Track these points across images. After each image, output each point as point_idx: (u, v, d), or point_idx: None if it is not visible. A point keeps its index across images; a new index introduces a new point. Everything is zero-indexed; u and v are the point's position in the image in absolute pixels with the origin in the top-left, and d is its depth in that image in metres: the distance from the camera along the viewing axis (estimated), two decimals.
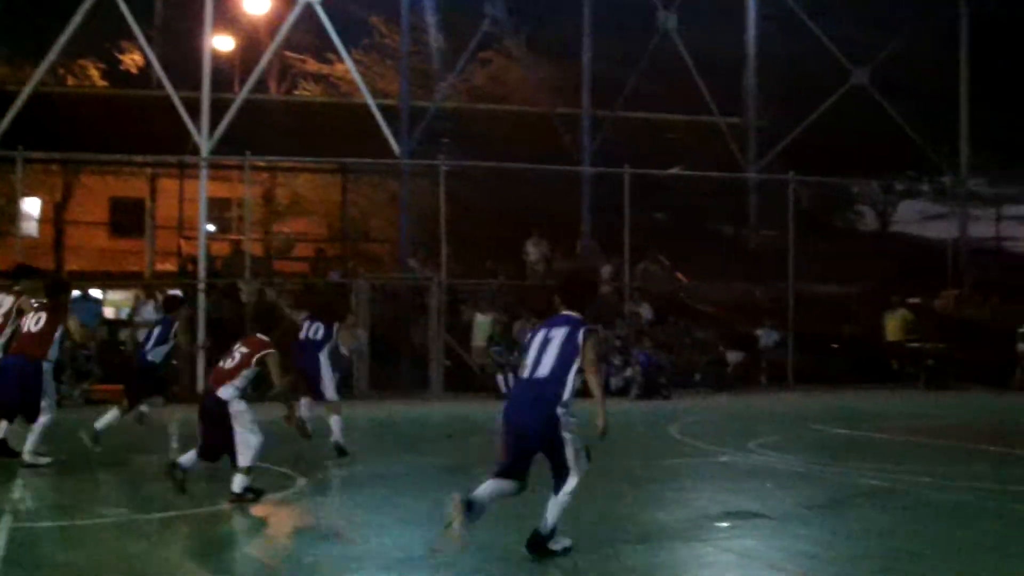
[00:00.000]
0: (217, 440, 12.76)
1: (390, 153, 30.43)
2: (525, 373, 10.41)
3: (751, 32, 34.96)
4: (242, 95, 29.40)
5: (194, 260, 29.28)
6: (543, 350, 10.34)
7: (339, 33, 30.29)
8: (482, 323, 29.08)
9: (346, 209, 36.92)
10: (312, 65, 37.99)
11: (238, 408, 12.71)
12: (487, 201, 32.78)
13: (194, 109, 28.24)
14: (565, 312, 10.62)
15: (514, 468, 10.17)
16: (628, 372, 28.33)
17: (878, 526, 11.84)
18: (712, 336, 31.76)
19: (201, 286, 28.01)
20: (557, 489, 10.16)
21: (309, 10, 29.72)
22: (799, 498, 13.35)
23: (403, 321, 29.24)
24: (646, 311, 30.58)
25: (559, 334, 10.37)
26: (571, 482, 10.14)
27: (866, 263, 34.11)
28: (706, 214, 37.47)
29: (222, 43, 35.66)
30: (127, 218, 38.10)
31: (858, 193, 43.50)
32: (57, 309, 15.97)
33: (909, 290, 32.28)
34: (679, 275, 33.89)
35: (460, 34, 34.24)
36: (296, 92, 38.78)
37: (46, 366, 15.66)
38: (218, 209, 35.20)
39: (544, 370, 10.24)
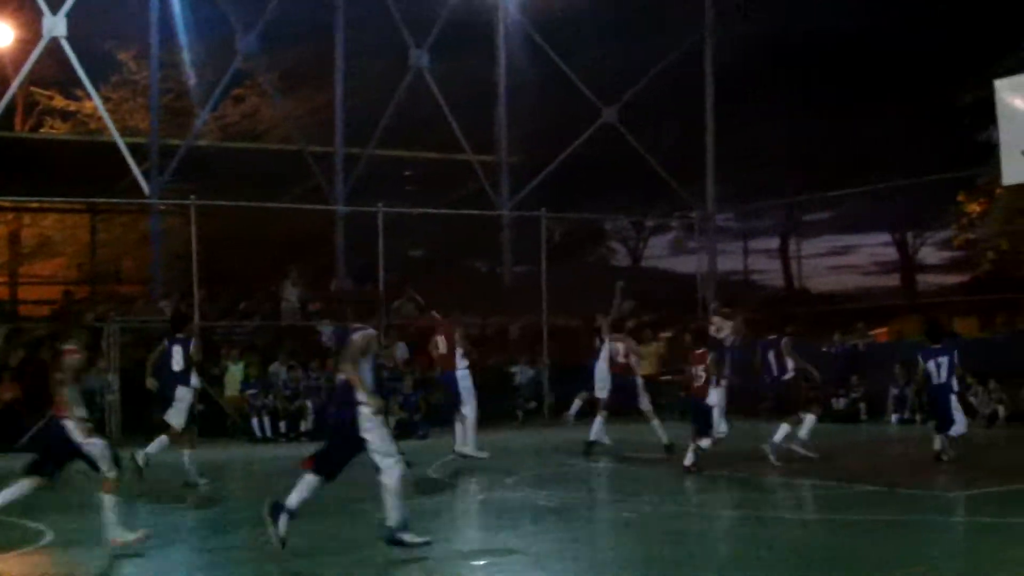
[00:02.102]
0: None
1: (141, 192, 29.88)
2: None
3: (502, 70, 35.30)
4: None
5: None
6: None
7: (87, 68, 29.67)
8: (234, 372, 28.61)
9: (96, 250, 36.07)
10: (59, 101, 37.03)
11: None
12: (242, 241, 32.38)
13: None
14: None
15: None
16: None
17: (637, 557, 12.02)
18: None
19: None
20: None
21: (55, 44, 29.04)
22: (557, 533, 13.48)
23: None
24: (401, 350, 30.49)
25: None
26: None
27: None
28: (461, 251, 37.70)
29: None
30: None
31: (610, 228, 44.38)
32: None
33: (662, 324, 32.92)
34: (434, 312, 33.91)
35: (212, 71, 33.79)
36: (43, 129, 37.74)
37: None
38: None
39: None
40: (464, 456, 20.09)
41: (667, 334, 29.45)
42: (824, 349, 29.69)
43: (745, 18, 35.77)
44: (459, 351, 20.37)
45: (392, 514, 11.41)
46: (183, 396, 18.90)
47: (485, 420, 29.12)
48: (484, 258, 38.90)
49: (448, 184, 35.88)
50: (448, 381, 20.57)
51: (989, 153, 29.47)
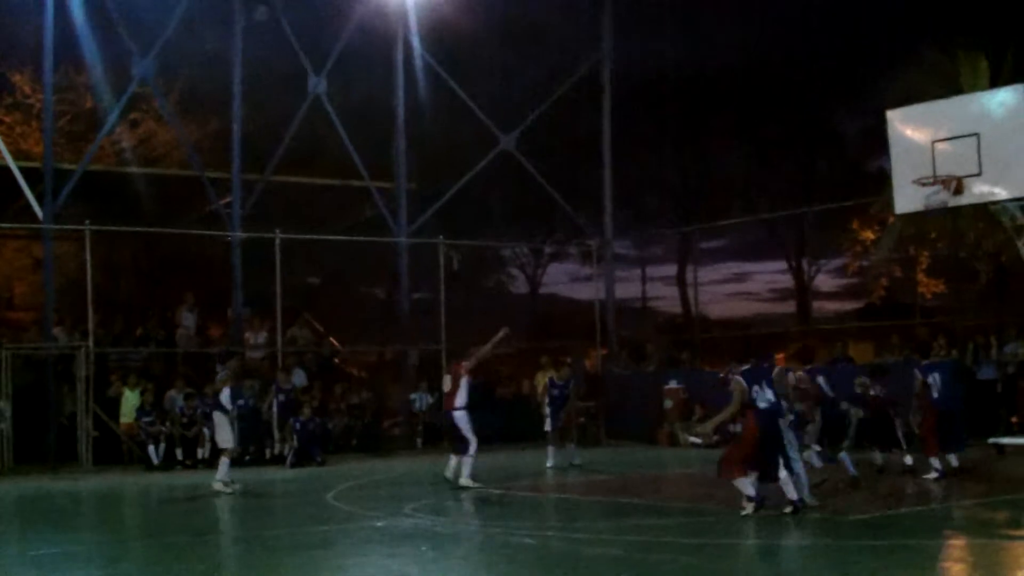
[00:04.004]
0: None
1: (34, 216, 29.48)
2: None
3: (400, 97, 35.22)
4: None
5: None
6: None
7: None
8: (130, 397, 28.31)
9: None
10: None
11: None
12: (137, 266, 32.06)
13: None
14: None
15: None
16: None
17: None
18: (367, 400, 31.87)
19: None
20: None
21: None
22: (454, 560, 13.46)
23: (48, 392, 28.20)
24: (299, 377, 30.34)
25: None
26: None
27: (520, 323, 34.84)
28: (359, 277, 37.59)
29: None
30: None
31: (509, 255, 44.53)
32: None
33: (560, 349, 33.05)
34: (332, 339, 33.84)
35: (110, 94, 33.42)
36: None
37: None
38: None
39: None
40: (464, 487, 20.60)
41: (569, 361, 29.52)
42: (721, 375, 29.91)
43: None
44: (461, 392, 21.13)
45: None
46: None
47: (385, 447, 29.52)
48: (382, 285, 38.81)
49: (346, 210, 35.76)
50: (448, 420, 21.55)
51: (882, 182, 29.98)
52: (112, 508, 20.68)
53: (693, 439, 28.39)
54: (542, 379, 29.37)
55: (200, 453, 27.56)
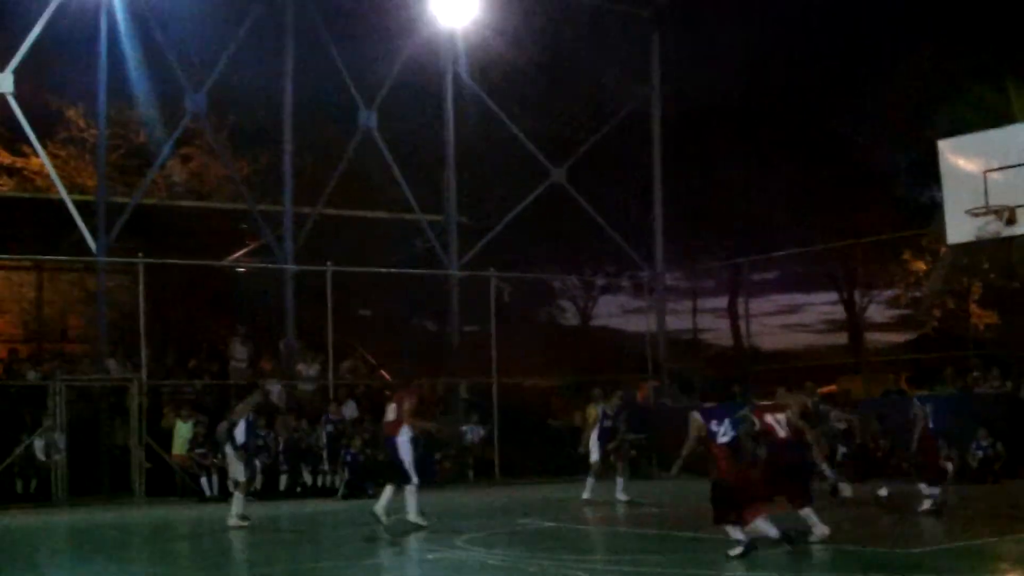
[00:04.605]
0: None
1: (88, 249, 29.70)
2: None
3: (450, 131, 35.34)
4: None
5: None
6: None
7: (34, 125, 29.52)
8: (183, 429, 28.41)
9: (41, 307, 35.79)
10: (5, 157, 36.73)
11: None
12: (189, 299, 32.19)
13: None
14: None
15: None
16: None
17: None
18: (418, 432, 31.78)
19: None
20: None
21: (2, 100, 28.90)
22: None
23: (102, 423, 28.37)
24: (351, 409, 30.39)
25: None
26: None
27: (569, 356, 34.76)
28: (410, 311, 37.64)
29: None
30: None
31: (560, 288, 44.49)
32: None
33: (610, 382, 32.92)
34: (383, 372, 33.87)
35: (162, 129, 33.70)
36: None
37: None
38: None
39: None
40: (415, 525, 19.95)
41: (620, 392, 29.40)
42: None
43: None
44: (406, 422, 20.24)
45: None
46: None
47: (436, 479, 29.40)
48: (433, 318, 38.85)
49: (396, 244, 35.84)
50: (390, 448, 20.46)
51: (933, 212, 29.79)
52: (164, 540, 20.71)
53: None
54: (593, 411, 29.30)
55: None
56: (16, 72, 28.90)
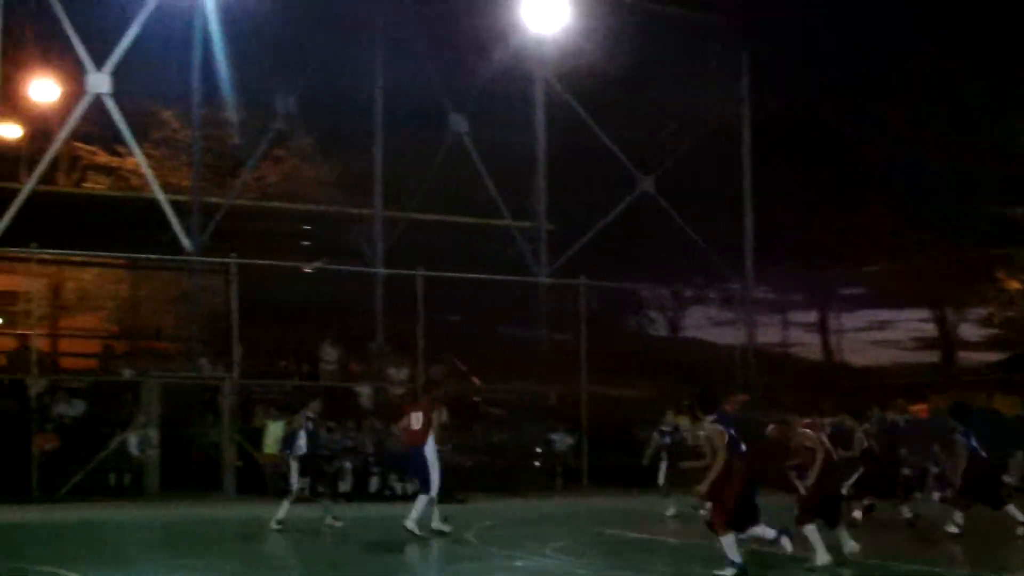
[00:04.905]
0: None
1: (181, 249, 29.95)
2: None
3: (541, 137, 35.37)
4: (29, 185, 28.78)
5: None
6: None
7: (130, 125, 29.81)
8: (273, 429, 28.51)
9: (135, 305, 36.15)
10: (102, 157, 37.14)
11: None
12: (279, 300, 32.33)
13: None
14: None
15: None
16: None
17: None
18: (506, 439, 31.82)
19: None
20: None
21: (98, 100, 29.22)
22: None
23: (194, 421, 28.60)
24: (442, 415, 30.39)
25: None
26: None
27: (657, 367, 34.57)
28: (499, 317, 37.64)
29: (8, 131, 34.80)
30: None
31: (648, 298, 44.33)
32: None
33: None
34: (473, 378, 33.90)
35: (254, 131, 34.00)
36: (85, 184, 37.85)
37: None
38: (3, 302, 34.16)
39: None
40: (436, 532, 19.92)
41: (686, 403, 29.21)
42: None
43: None
44: (431, 432, 20.26)
45: None
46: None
47: (522, 486, 29.38)
48: (521, 325, 38.80)
49: (486, 250, 35.84)
50: (414, 457, 20.42)
51: None
52: (252, 538, 20.80)
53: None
54: (682, 423, 29.23)
55: (341, 486, 27.69)
56: (113, 74, 29.19)
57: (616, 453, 30.26)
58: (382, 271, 32.67)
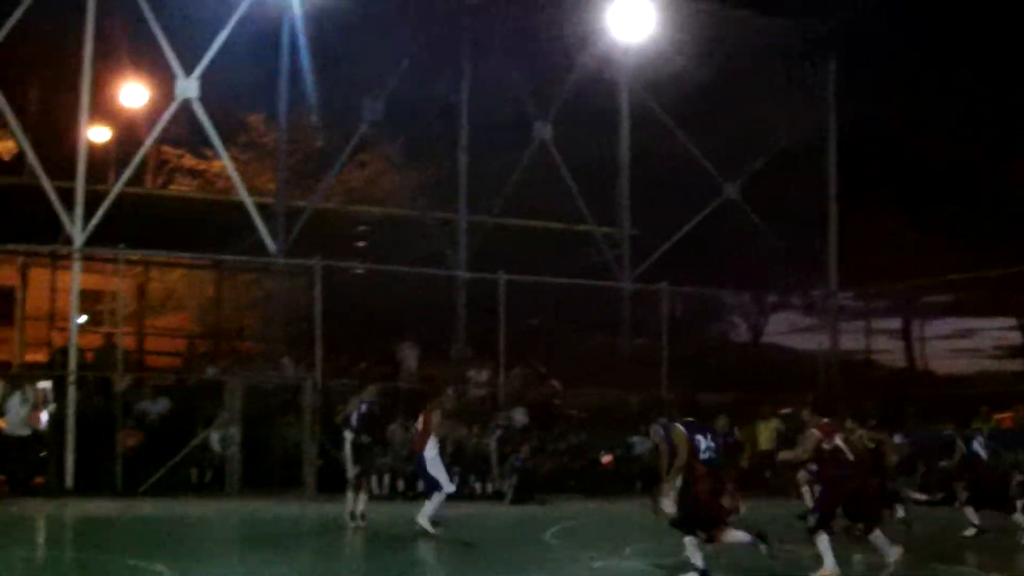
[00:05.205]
0: None
1: (265, 251, 30.25)
2: None
3: (624, 144, 35.39)
4: (117, 187, 29.09)
5: (64, 352, 28.67)
6: None
7: (217, 129, 30.12)
8: None
9: (219, 305, 36.56)
10: (189, 160, 37.65)
11: None
12: (361, 303, 32.55)
13: (68, 199, 27.89)
14: None
15: None
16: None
17: None
18: (586, 442, 31.81)
19: (71, 378, 27.45)
20: None
21: (187, 105, 29.57)
22: None
23: (276, 419, 28.81)
24: (520, 416, 30.52)
25: None
26: None
27: (739, 372, 34.43)
28: (580, 321, 37.63)
29: (98, 134, 35.24)
30: None
31: (730, 304, 44.08)
32: None
33: (780, 400, 32.57)
34: (553, 381, 33.91)
35: (338, 136, 34.29)
36: (172, 187, 38.35)
37: None
38: (90, 301, 34.58)
39: None
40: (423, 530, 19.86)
41: (786, 410, 29.11)
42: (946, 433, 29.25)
43: None
44: (432, 436, 20.43)
45: None
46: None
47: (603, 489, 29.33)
48: (602, 329, 38.77)
49: (568, 254, 35.87)
50: (418, 463, 20.77)
51: None
52: (330, 534, 20.97)
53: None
54: (764, 429, 29.22)
55: (419, 486, 27.77)
56: (200, 79, 29.54)
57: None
58: (464, 274, 32.82)
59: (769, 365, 37.93)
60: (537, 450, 29.00)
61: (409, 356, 32.08)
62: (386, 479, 27.78)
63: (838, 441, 15.98)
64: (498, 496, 27.94)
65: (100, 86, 31.41)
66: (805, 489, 21.92)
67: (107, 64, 32.24)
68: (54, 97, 33.14)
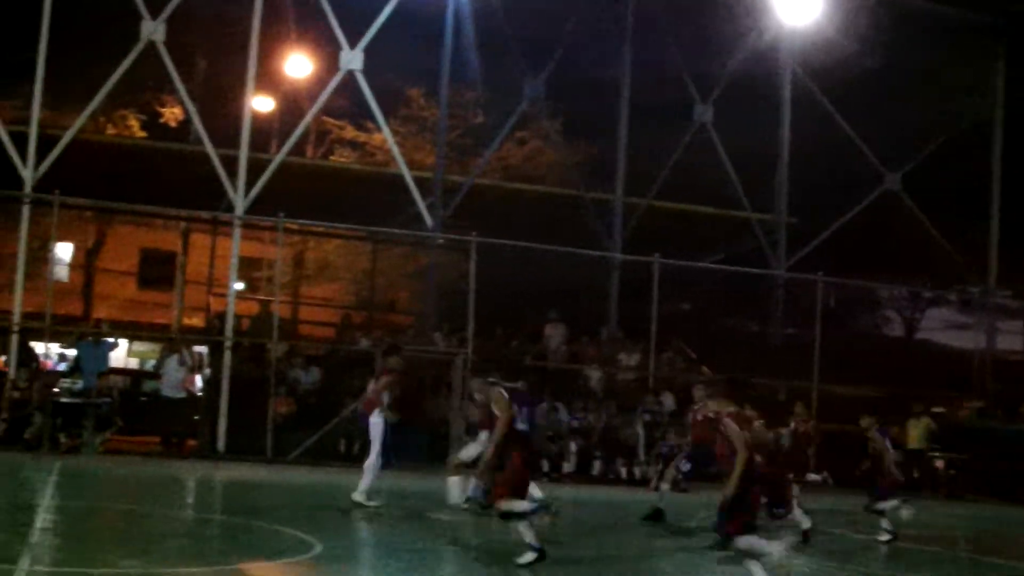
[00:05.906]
0: None
1: (421, 225, 30.51)
2: None
3: (785, 129, 35.04)
4: (279, 157, 29.56)
5: (221, 317, 29.25)
6: None
7: (378, 102, 30.43)
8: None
9: (373, 277, 36.93)
10: (349, 132, 38.07)
11: None
12: (513, 280, 32.66)
13: (230, 167, 28.41)
14: None
15: None
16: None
17: None
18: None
19: (228, 344, 28.01)
20: None
21: (349, 77, 29.91)
22: None
23: (422, 394, 29.01)
24: (668, 401, 30.40)
25: None
26: None
27: (890, 368, 33.90)
28: (731, 308, 37.42)
29: (262, 104, 35.81)
30: (156, 270, 38.24)
31: (885, 297, 43.56)
32: None
33: (932, 399, 32.07)
34: (703, 367, 33.75)
35: (498, 112, 34.45)
36: (332, 157, 38.84)
37: None
38: (248, 268, 35.22)
39: None
40: (356, 503, 19.22)
41: (939, 410, 28.72)
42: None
43: None
44: (384, 400, 19.85)
45: None
46: None
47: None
48: (753, 317, 38.52)
49: (722, 240, 35.67)
50: (363, 425, 20.23)
51: None
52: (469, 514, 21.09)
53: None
54: (914, 428, 28.82)
55: (565, 467, 27.94)
56: (364, 51, 29.85)
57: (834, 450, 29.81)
58: (619, 256, 32.81)
59: (921, 362, 37.25)
60: (682, 436, 28.84)
61: (555, 335, 32.11)
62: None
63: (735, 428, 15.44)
64: (643, 482, 27.87)
65: (265, 57, 31.94)
66: None
67: (273, 35, 32.78)
68: (221, 67, 33.77)
